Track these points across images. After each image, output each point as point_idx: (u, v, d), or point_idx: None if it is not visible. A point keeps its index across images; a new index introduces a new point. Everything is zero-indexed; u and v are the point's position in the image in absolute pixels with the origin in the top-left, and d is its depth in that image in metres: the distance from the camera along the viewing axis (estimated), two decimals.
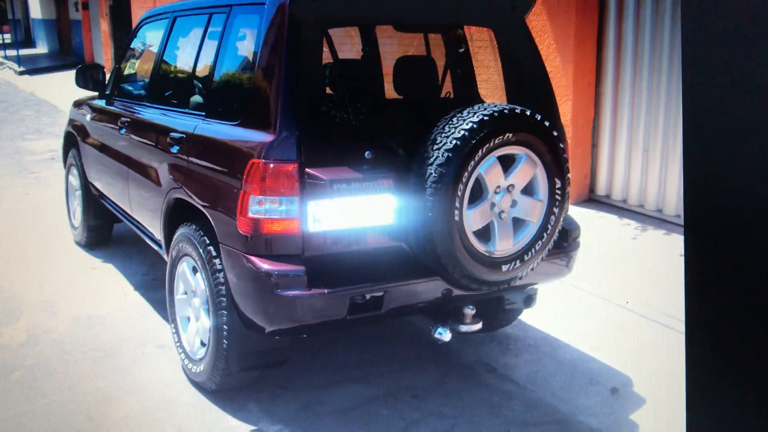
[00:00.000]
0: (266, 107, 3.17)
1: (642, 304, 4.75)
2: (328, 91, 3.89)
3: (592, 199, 7.04)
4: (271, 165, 3.04)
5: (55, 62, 22.87)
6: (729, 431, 1.26)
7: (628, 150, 6.75)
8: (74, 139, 5.92)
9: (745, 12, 1.06)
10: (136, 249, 5.82)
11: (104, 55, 19.46)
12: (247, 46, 3.62)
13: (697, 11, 1.13)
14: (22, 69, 21.10)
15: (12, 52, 23.83)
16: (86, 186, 5.69)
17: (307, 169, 3.04)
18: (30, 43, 30.20)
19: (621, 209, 6.85)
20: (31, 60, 23.60)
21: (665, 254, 5.75)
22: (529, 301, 3.86)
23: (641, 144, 6.60)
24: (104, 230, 5.88)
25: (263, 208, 3.06)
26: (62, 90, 16.85)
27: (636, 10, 6.45)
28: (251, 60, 3.41)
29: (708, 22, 1.12)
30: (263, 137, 3.11)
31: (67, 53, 24.95)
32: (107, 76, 5.48)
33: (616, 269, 5.40)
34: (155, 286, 5.07)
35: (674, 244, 5.94)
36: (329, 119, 3.46)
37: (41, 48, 28.08)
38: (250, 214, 3.08)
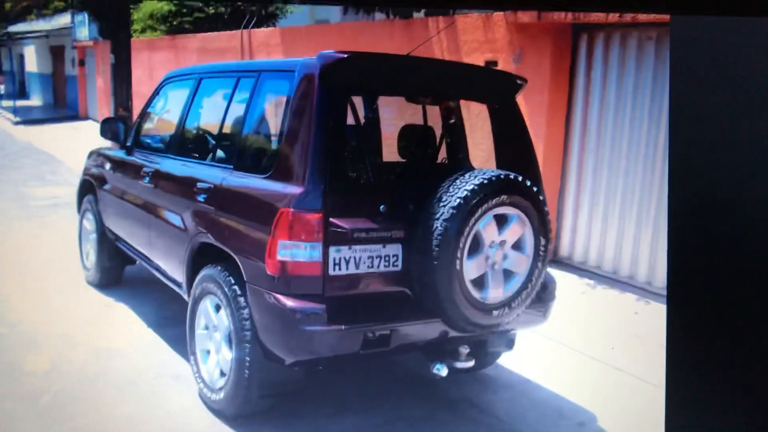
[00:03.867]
0: (296, 163, 3.44)
1: (601, 351, 5.03)
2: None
3: (555, 260, 7.36)
4: (299, 214, 3.29)
5: (50, 114, 22.91)
6: None
7: (589, 217, 7.12)
8: (90, 186, 6.09)
9: (733, 60, 1.17)
10: (146, 290, 5.96)
11: (98, 110, 19.60)
12: (276, 108, 3.89)
13: (685, 62, 1.23)
14: (17, 119, 21.08)
15: (8, 103, 23.79)
16: (102, 230, 5.84)
17: (330, 219, 3.30)
18: (24, 95, 30.14)
19: (581, 270, 7.18)
20: (26, 111, 23.58)
21: (619, 310, 6.10)
22: (510, 344, 4.12)
23: (601, 212, 6.98)
24: (117, 271, 6.01)
25: (290, 251, 3.30)
26: (59, 141, 16.92)
27: (601, 94, 6.90)
28: (281, 120, 3.67)
29: (695, 72, 1.22)
30: (292, 189, 3.37)
31: (62, 106, 24.99)
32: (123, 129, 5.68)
33: (577, 321, 5.69)
34: (166, 324, 5.21)
35: (627, 301, 6.29)
36: (349, 176, 3.72)
37: (35, 100, 28.04)
38: (279, 257, 3.32)
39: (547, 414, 4.17)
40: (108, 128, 5.62)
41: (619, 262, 6.85)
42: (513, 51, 7.36)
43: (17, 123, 20.85)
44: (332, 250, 3.31)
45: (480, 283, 3.50)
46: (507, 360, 4.74)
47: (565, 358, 4.99)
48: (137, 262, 5.50)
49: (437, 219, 3.31)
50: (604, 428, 3.99)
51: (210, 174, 4.14)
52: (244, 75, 4.23)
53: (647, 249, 6.51)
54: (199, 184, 4.12)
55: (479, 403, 4.26)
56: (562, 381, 4.56)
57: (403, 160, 4.48)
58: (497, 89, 4.13)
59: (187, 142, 4.81)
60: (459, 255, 3.33)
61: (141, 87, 15.17)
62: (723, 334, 1.17)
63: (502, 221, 3.51)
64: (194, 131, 4.84)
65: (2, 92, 26.56)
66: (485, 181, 3.37)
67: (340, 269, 3.34)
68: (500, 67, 7.38)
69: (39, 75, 27.68)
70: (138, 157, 5.30)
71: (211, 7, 15.92)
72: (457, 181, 3.40)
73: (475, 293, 3.46)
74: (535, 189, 3.55)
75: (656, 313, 5.85)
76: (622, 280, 6.77)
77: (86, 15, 19.21)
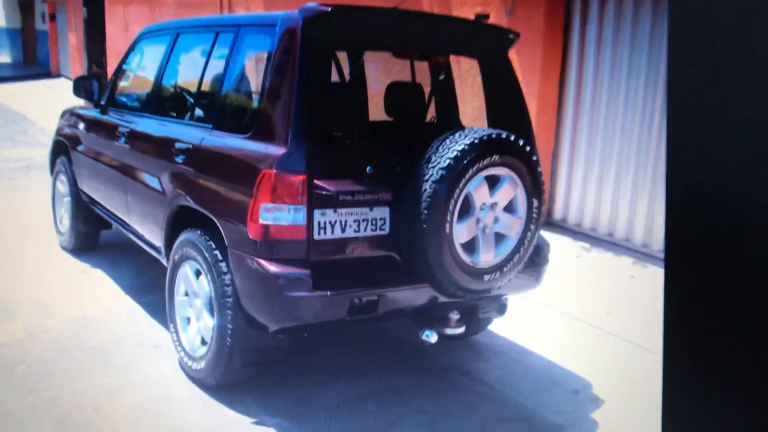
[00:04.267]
0: (278, 122, 3.39)
1: (596, 317, 5.06)
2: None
3: (549, 223, 7.38)
4: (282, 176, 3.25)
5: (20, 72, 22.59)
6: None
7: (583, 178, 7.11)
8: (64, 147, 6.02)
9: (736, 13, 1.04)
10: (123, 255, 5.94)
11: (71, 67, 19.33)
12: (257, 64, 3.82)
13: (684, 15, 1.10)
14: None
15: None
16: (76, 193, 5.79)
17: (314, 181, 3.26)
18: None
19: (575, 233, 7.20)
20: None
21: (615, 274, 6.11)
22: (502, 309, 4.12)
23: (596, 173, 6.97)
24: (92, 236, 5.98)
25: (272, 215, 3.26)
26: (30, 100, 16.72)
27: (597, 50, 6.85)
28: (262, 78, 3.61)
29: (695, 25, 1.10)
30: (275, 150, 3.32)
31: (32, 63, 24.64)
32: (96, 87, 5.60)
33: (571, 285, 5.71)
34: (144, 291, 5.20)
35: (623, 264, 6.31)
36: (334, 136, 3.68)
37: (4, 57, 27.66)
38: (261, 221, 3.28)
39: (540, 381, 4.19)
40: (81, 86, 5.55)
41: (615, 225, 6.87)
42: (504, 4, 7.27)
43: None
44: (317, 213, 3.28)
45: (470, 246, 3.48)
46: (499, 326, 4.77)
47: (559, 324, 5.01)
48: (113, 227, 5.47)
49: (426, 181, 3.28)
50: (599, 396, 4.02)
51: (188, 134, 4.08)
52: (224, 30, 4.15)
53: (644, 210, 6.52)
54: (177, 145, 4.07)
55: (470, 371, 4.27)
56: (555, 347, 4.59)
57: (391, 119, 4.43)
58: (488, 44, 4.07)
59: (165, 101, 4.75)
60: (449, 218, 3.30)
61: (115, 43, 14.95)
62: (723, 297, 1.14)
63: (493, 182, 3.48)
64: (172, 89, 4.77)
65: None
66: (476, 141, 3.33)
67: (325, 233, 3.31)
68: (491, 20, 7.30)
69: (7, 30, 27.22)
70: (113, 117, 5.23)
71: None
72: (447, 141, 3.36)
73: (466, 257, 3.44)
74: (527, 148, 3.51)
75: (653, 277, 5.88)
76: (618, 242, 6.79)
77: None
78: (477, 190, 3.39)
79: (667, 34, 1.17)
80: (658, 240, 6.36)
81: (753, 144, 1.11)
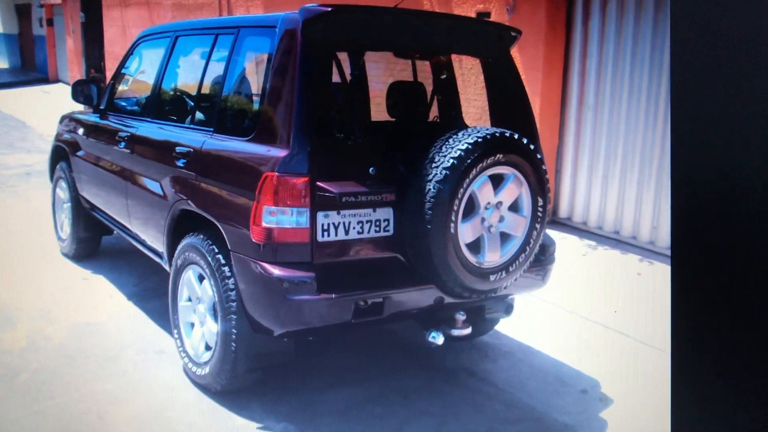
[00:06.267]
0: (280, 124, 3.40)
1: (603, 315, 5.07)
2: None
3: (554, 221, 7.38)
4: (285, 178, 3.26)
5: (18, 78, 22.63)
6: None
7: (588, 176, 7.12)
8: (63, 152, 6.04)
9: (736, 15, 1.09)
10: (124, 261, 5.95)
11: (69, 72, 19.37)
12: (257, 66, 3.84)
13: (687, 8, 1.14)
14: None
15: None
16: (76, 199, 5.80)
17: (317, 183, 3.27)
18: None
19: (581, 231, 7.21)
20: None
21: (622, 271, 6.13)
22: (509, 309, 4.12)
23: (601, 171, 6.97)
24: (93, 242, 6.00)
25: (275, 218, 3.28)
26: (28, 106, 16.76)
27: (600, 46, 6.85)
28: (263, 80, 3.62)
29: (698, 19, 1.13)
30: (277, 152, 3.34)
31: (30, 69, 24.69)
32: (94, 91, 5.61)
33: (577, 284, 5.72)
34: (147, 297, 5.21)
35: (630, 262, 6.32)
36: (336, 137, 3.69)
37: (2, 63, 27.74)
38: (264, 224, 3.29)
39: (548, 381, 4.20)
40: (80, 91, 5.56)
41: (621, 222, 6.87)
42: (506, 1, 7.28)
43: None
44: (320, 215, 3.29)
45: (476, 246, 3.49)
46: (505, 326, 4.77)
47: (566, 323, 5.02)
48: (115, 232, 5.48)
49: (430, 180, 3.29)
50: (607, 395, 4.03)
51: (189, 137, 4.09)
52: (223, 32, 4.17)
53: (650, 207, 6.53)
54: (178, 149, 4.08)
55: (477, 372, 4.28)
56: (563, 347, 4.60)
57: (393, 119, 4.44)
58: (490, 42, 4.08)
59: (165, 105, 4.76)
60: (453, 218, 3.31)
61: (114, 47, 14.99)
62: (730, 293, 1.15)
63: (497, 181, 3.48)
64: (171, 93, 4.78)
65: None
66: (479, 140, 3.34)
67: (328, 235, 3.33)
68: (493, 18, 7.31)
69: (4, 35, 27.28)
70: (112, 121, 5.24)
71: None
72: (450, 140, 3.37)
73: (471, 257, 3.45)
74: (531, 147, 3.53)
75: (660, 274, 5.89)
76: (625, 240, 6.79)
77: None
78: (481, 189, 3.40)
79: (670, 32, 1.18)
80: (664, 237, 6.36)
81: (756, 139, 1.12)
